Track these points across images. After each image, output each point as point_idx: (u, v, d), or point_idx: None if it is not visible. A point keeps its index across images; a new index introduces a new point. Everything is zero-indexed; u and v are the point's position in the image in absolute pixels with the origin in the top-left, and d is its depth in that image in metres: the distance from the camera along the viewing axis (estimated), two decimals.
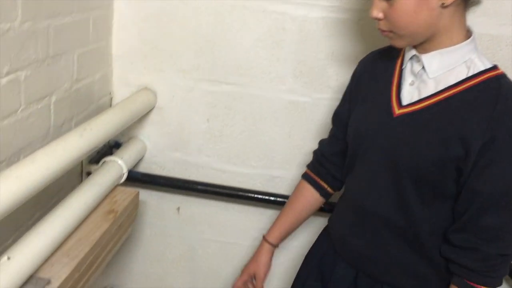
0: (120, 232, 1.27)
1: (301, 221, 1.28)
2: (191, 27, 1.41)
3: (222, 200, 1.56)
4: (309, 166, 1.26)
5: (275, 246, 1.27)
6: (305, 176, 1.26)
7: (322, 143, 1.25)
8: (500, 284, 0.96)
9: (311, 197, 1.25)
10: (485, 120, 0.90)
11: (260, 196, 1.50)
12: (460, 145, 0.92)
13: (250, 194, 1.50)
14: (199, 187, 1.50)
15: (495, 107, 0.90)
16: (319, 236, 1.27)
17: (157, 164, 1.55)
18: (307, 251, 1.27)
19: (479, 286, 0.95)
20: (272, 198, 1.48)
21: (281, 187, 1.52)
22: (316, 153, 1.26)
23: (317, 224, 1.45)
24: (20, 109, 1.00)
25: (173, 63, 1.45)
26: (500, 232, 0.94)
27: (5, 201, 0.79)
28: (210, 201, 1.58)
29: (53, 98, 1.13)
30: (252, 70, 1.43)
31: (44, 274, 0.97)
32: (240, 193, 1.49)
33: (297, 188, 1.27)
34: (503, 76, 0.95)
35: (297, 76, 1.42)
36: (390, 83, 1.04)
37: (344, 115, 1.16)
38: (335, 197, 1.25)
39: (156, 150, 1.55)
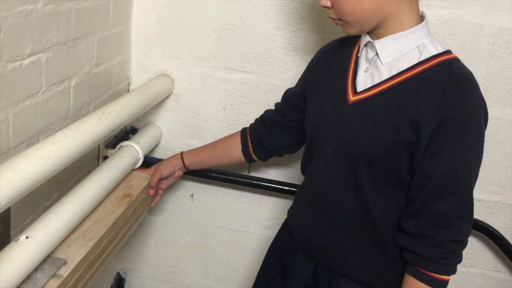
0: (135, 216, 1.28)
1: (215, 160, 1.35)
2: (210, 14, 1.41)
3: (236, 188, 1.57)
4: (251, 123, 1.32)
5: (184, 162, 1.33)
6: (242, 129, 1.32)
7: (266, 111, 1.30)
8: (455, 272, 0.95)
9: (234, 146, 1.30)
10: (434, 104, 0.90)
11: (273, 185, 1.50)
12: (411, 130, 0.91)
13: (264, 183, 1.50)
14: (213, 174, 1.50)
15: (444, 91, 0.90)
16: (280, 229, 1.26)
17: (173, 151, 1.55)
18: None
19: (433, 274, 0.93)
20: (286, 188, 1.48)
21: (294, 177, 1.52)
22: (260, 116, 1.31)
23: None
24: (41, 91, 1.01)
25: (191, 50, 1.46)
26: (452, 218, 0.92)
27: (25, 180, 0.80)
28: (223, 189, 1.59)
29: (73, 82, 1.14)
30: (270, 59, 1.43)
31: (60, 254, 0.98)
32: (254, 181, 1.50)
33: (231, 134, 1.34)
34: (455, 60, 0.94)
35: None
36: (347, 71, 1.04)
37: (293, 96, 1.21)
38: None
39: (171, 137, 1.55)
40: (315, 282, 1.11)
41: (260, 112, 1.47)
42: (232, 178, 1.50)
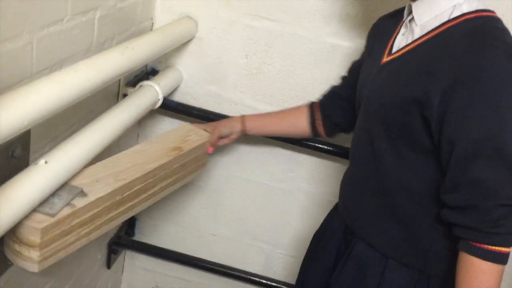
0: (183, 172, 1.23)
1: (278, 128, 1.33)
2: None
3: (253, 138, 1.56)
4: (320, 97, 1.31)
5: (245, 125, 1.32)
6: (310, 102, 1.31)
7: (334, 85, 1.30)
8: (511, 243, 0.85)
9: (301, 118, 1.29)
10: (447, 60, 0.85)
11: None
12: (423, 86, 0.87)
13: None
14: None
15: (458, 45, 0.85)
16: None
17: (192, 96, 1.55)
18: None
19: (486, 246, 0.84)
20: (304, 142, 1.47)
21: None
22: (327, 90, 1.30)
23: None
24: (65, 19, 1.00)
25: None
26: (495, 184, 0.84)
27: (47, 104, 0.80)
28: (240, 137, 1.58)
29: (98, 13, 1.13)
30: (297, 8, 1.40)
31: (86, 187, 0.98)
32: None
33: (298, 106, 1.33)
34: (486, 17, 0.89)
35: (343, 19, 1.38)
36: (390, 38, 1.04)
37: (354, 65, 1.22)
38: None
39: (191, 81, 1.54)
40: (345, 243, 1.12)
41: (283, 62, 1.46)
42: None
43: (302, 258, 1.23)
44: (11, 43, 0.85)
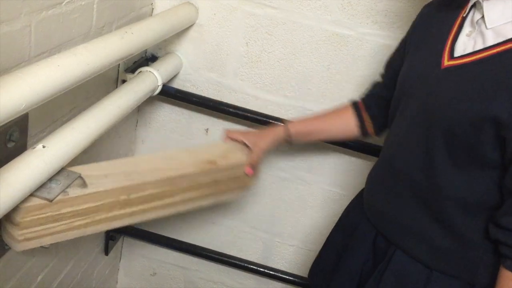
0: (214, 188, 1.13)
1: (326, 133, 1.25)
2: None
3: (252, 126, 1.56)
4: (362, 95, 1.24)
5: (289, 134, 1.22)
6: (353, 103, 1.23)
7: (375, 84, 1.22)
8: None
9: (348, 120, 1.22)
10: None
11: None
12: (506, 105, 0.81)
13: (281, 123, 1.49)
14: (230, 109, 1.49)
15: None
16: (357, 194, 1.23)
17: (191, 83, 1.54)
18: None
19: None
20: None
21: None
22: (369, 89, 1.23)
23: None
24: (64, 2, 0.99)
25: None
26: None
27: (46, 87, 0.79)
28: (239, 126, 1.58)
29: None
30: None
31: (91, 180, 0.96)
32: (271, 121, 1.48)
33: (340, 108, 1.25)
34: None
35: (345, 8, 1.37)
36: (448, 32, 0.94)
37: (396, 62, 1.11)
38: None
39: (191, 68, 1.53)
40: (374, 249, 1.08)
41: (284, 50, 1.45)
42: (248, 115, 1.49)
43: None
44: (8, 26, 0.84)
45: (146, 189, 1.00)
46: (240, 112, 1.49)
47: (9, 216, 0.86)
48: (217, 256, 1.73)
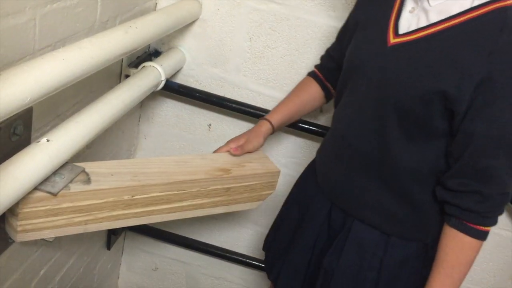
0: (227, 197, 1.09)
1: (302, 112, 1.27)
2: None
3: (255, 122, 1.55)
4: (317, 66, 1.27)
5: (273, 127, 1.22)
6: (312, 74, 1.27)
7: (332, 47, 1.25)
8: (496, 223, 0.96)
9: (316, 92, 1.25)
10: (483, 55, 0.84)
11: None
12: (452, 80, 0.86)
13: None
14: (233, 105, 1.49)
15: (497, 40, 0.83)
16: (307, 167, 1.27)
17: (194, 78, 1.54)
18: None
19: (478, 226, 0.94)
20: (305, 126, 1.46)
21: (314, 116, 1.50)
22: (322, 59, 1.27)
23: None
24: None
25: None
26: (499, 172, 0.91)
27: (50, 81, 0.79)
28: (242, 121, 1.58)
29: None
30: None
31: (96, 177, 0.95)
32: None
33: (303, 82, 1.28)
34: None
35: (348, 4, 1.37)
36: (391, 9, 0.97)
37: (340, 32, 1.19)
38: None
39: (194, 64, 1.53)
40: (329, 222, 1.12)
41: (288, 46, 1.45)
42: (251, 111, 1.49)
43: None
44: (13, 19, 0.84)
45: (151, 192, 0.98)
46: (243, 108, 1.49)
47: (11, 207, 0.85)
48: (219, 252, 1.73)
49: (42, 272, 1.21)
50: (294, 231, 1.20)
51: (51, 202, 0.89)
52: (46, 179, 0.91)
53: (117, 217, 0.98)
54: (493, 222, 0.95)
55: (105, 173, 0.97)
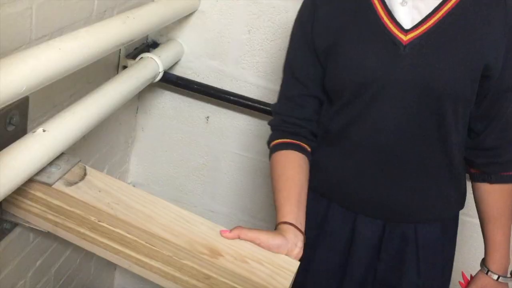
0: (204, 286, 0.86)
1: (306, 192, 0.99)
2: None
3: (253, 115, 1.55)
4: (282, 132, 1.04)
5: (301, 231, 0.92)
6: (284, 145, 1.02)
7: (287, 106, 1.05)
8: None
9: (302, 165, 1.01)
10: (500, 18, 0.89)
11: None
12: (490, 50, 0.90)
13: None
14: (231, 97, 1.48)
15: (506, 3, 0.89)
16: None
17: (192, 70, 1.53)
18: None
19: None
20: None
21: None
22: (285, 119, 1.05)
23: None
24: None
25: None
26: None
27: (47, 70, 0.79)
28: (240, 114, 1.57)
29: None
30: None
31: (84, 184, 0.91)
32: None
33: (281, 161, 1.01)
34: None
35: None
36: (373, 10, 0.92)
37: (313, 67, 1.00)
38: None
39: (193, 56, 1.52)
40: (382, 242, 1.05)
41: (287, 39, 1.42)
42: (249, 103, 1.49)
43: None
44: (10, 7, 0.83)
45: (117, 227, 0.87)
46: (241, 101, 1.49)
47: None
48: None
49: (38, 263, 1.20)
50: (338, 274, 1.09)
51: (28, 185, 0.89)
52: (42, 170, 0.90)
53: (83, 237, 0.91)
54: None
55: (95, 185, 0.92)
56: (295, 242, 0.87)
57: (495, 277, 1.07)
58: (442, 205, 1.06)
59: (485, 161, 1.03)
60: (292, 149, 1.01)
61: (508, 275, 1.09)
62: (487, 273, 1.08)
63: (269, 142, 1.07)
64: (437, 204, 1.05)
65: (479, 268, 1.11)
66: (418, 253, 1.06)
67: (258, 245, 0.86)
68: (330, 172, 1.06)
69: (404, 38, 0.91)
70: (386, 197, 1.02)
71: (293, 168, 0.99)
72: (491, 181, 1.04)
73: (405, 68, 0.91)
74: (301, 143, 1.03)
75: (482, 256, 1.11)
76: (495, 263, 1.07)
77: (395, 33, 0.92)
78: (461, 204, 1.10)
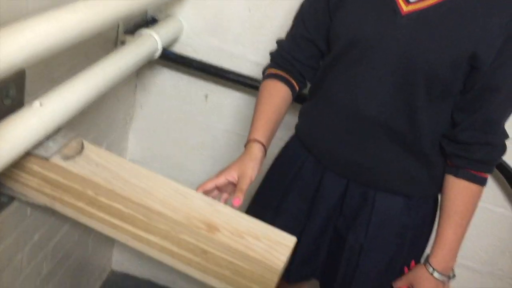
0: (200, 261, 0.86)
1: (280, 120, 1.10)
2: None
3: (251, 94, 1.54)
4: (277, 65, 1.13)
5: (265, 146, 1.04)
6: (271, 76, 1.12)
7: (289, 44, 1.12)
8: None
9: (286, 93, 1.10)
10: (505, 12, 0.87)
11: None
12: (483, 40, 0.89)
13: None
14: (231, 76, 1.47)
15: None
16: (286, 147, 1.22)
17: (192, 47, 1.52)
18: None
19: (482, 174, 1.01)
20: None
21: None
22: (282, 54, 1.12)
23: None
24: None
25: None
26: (503, 123, 0.99)
27: (43, 43, 0.77)
28: (239, 93, 1.56)
29: None
30: None
31: (81, 159, 0.91)
32: None
33: (268, 86, 1.11)
34: None
35: None
36: None
37: (322, 16, 1.05)
38: None
39: (192, 33, 1.51)
40: (344, 198, 1.11)
41: (288, 17, 1.42)
42: (249, 82, 1.48)
43: None
44: None
45: (115, 201, 0.87)
46: (240, 79, 1.48)
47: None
48: None
49: (36, 237, 1.21)
50: (303, 222, 1.16)
51: (24, 159, 0.88)
52: (39, 144, 0.90)
53: (81, 211, 0.91)
54: (493, 168, 1.03)
55: (93, 162, 0.91)
56: (251, 166, 0.99)
57: (431, 270, 1.05)
58: (405, 182, 1.07)
59: (454, 153, 1.01)
60: (281, 81, 1.11)
61: (451, 274, 1.07)
62: (425, 265, 1.06)
63: (264, 70, 1.17)
64: (399, 179, 1.06)
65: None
66: (371, 216, 1.08)
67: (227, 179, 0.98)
68: (308, 124, 1.16)
69: (405, 8, 0.94)
70: (351, 157, 1.07)
71: (277, 96, 1.10)
72: (457, 175, 1.02)
73: (396, 36, 0.94)
74: (291, 79, 1.12)
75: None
76: (436, 258, 1.05)
77: (398, 3, 0.94)
78: (432, 189, 1.09)
